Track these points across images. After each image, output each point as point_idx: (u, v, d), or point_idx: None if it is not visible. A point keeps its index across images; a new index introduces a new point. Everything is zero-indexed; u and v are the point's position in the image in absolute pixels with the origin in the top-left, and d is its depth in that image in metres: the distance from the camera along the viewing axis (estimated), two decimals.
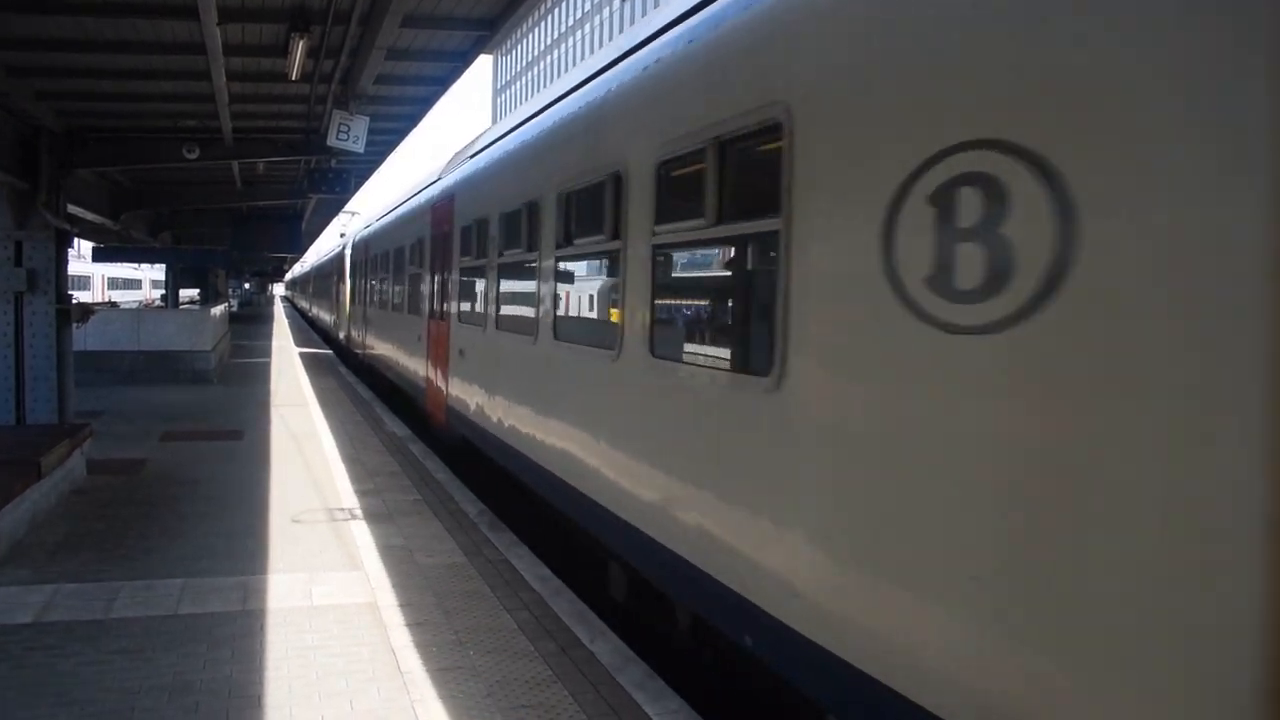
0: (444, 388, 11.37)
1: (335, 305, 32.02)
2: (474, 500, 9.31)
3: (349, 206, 43.32)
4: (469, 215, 10.21)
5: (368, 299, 20.79)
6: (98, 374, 17.81)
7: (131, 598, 6.22)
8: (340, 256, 30.17)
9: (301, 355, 27.65)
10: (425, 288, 12.92)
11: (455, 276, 10.93)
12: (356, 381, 20.76)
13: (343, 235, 37.50)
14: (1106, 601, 2.55)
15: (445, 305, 11.54)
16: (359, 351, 22.84)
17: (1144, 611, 2.46)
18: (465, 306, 10.48)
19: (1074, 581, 2.63)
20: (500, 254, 8.72)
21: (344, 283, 27.73)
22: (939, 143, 3.10)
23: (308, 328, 46.65)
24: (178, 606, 6.08)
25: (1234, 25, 2.30)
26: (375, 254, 19.47)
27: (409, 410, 15.06)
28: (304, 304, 63.61)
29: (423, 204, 13.64)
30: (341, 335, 28.20)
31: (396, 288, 16.15)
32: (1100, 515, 2.56)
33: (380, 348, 18.25)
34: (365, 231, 22.79)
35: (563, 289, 7.20)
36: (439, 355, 11.80)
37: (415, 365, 13.68)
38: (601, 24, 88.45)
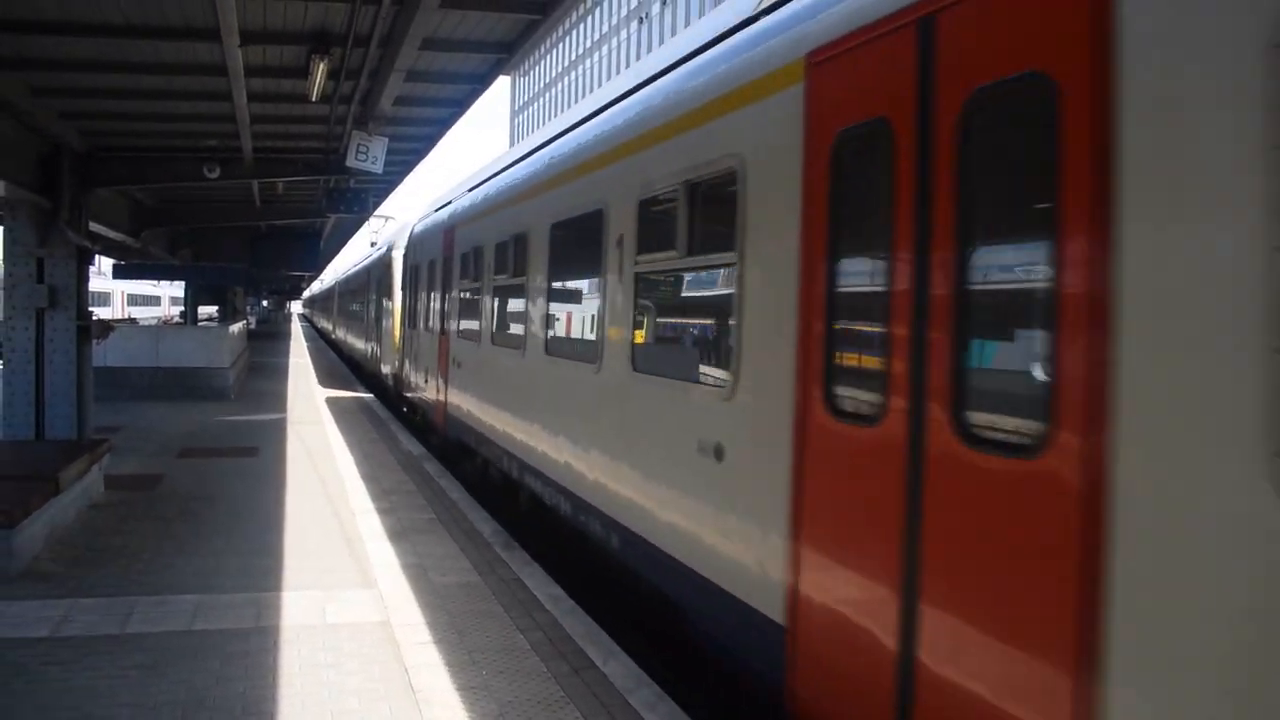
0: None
1: (375, 330, 24.10)
2: (488, 519, 9.30)
3: (382, 211, 42.89)
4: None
5: (456, 325, 12.52)
6: (117, 390, 17.96)
7: (146, 613, 6.25)
8: (383, 264, 22.57)
9: (319, 378, 27.74)
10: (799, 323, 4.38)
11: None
12: (375, 403, 20.52)
13: (373, 244, 33.49)
14: None
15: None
16: (414, 396, 16.22)
17: None
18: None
19: None
20: None
21: (389, 299, 20.43)
22: None
23: (327, 348, 45.20)
24: (192, 622, 6.10)
25: None
26: (473, 248, 11.44)
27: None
28: (325, 324, 58.65)
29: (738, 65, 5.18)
30: (386, 370, 20.85)
31: (571, 307, 8.21)
32: None
33: (512, 428, 9.39)
34: (439, 216, 14.63)
35: None
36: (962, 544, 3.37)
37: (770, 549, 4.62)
38: (620, 45, 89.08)
